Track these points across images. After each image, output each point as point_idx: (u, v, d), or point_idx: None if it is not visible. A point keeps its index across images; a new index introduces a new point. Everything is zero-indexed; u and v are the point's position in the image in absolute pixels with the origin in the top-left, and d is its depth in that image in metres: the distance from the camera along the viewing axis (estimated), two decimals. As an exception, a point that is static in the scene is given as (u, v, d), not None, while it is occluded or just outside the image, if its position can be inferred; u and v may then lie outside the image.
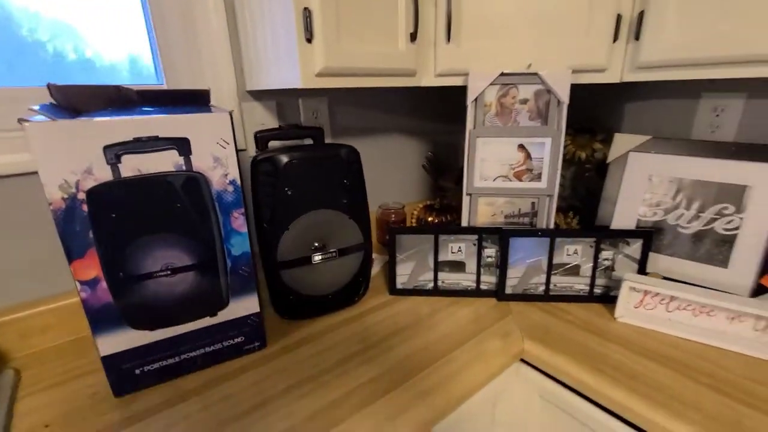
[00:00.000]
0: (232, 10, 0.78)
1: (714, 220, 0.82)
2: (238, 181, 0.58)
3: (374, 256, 1.06)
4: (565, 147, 1.09)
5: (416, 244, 0.85)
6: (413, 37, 0.73)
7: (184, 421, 0.54)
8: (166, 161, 0.52)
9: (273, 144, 0.74)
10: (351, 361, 0.66)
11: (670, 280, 0.80)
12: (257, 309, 0.66)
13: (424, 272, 0.87)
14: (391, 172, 1.21)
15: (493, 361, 0.68)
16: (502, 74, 0.78)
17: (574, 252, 0.82)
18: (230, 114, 0.56)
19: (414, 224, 1.19)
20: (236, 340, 0.66)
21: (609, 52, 0.74)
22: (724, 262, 0.81)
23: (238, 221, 0.60)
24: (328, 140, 0.99)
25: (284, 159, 0.67)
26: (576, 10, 0.73)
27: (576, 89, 0.76)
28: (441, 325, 0.77)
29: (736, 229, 0.80)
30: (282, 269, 0.72)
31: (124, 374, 0.58)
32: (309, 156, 0.69)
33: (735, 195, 0.79)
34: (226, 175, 0.57)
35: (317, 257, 0.73)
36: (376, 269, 0.99)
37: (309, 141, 0.76)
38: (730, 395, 0.58)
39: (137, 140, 0.50)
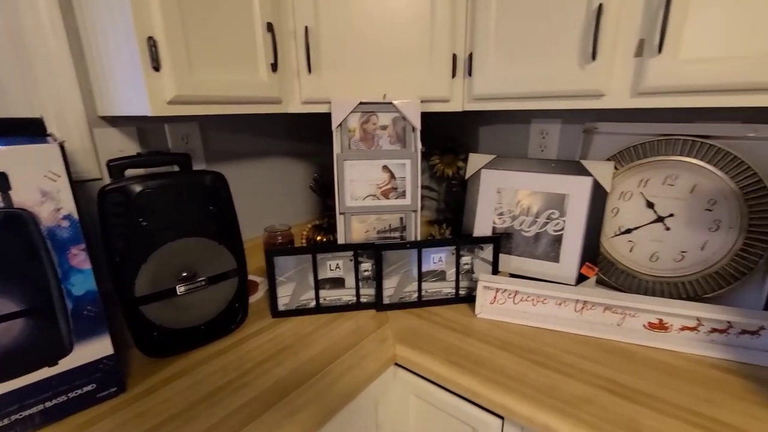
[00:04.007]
0: (75, 32, 0.74)
1: (546, 223, 0.99)
2: (75, 215, 0.54)
3: (260, 279, 1.05)
4: (434, 166, 1.22)
5: (296, 265, 0.87)
6: (274, 67, 0.76)
7: (8, 491, 0.48)
8: (-24, 198, 0.47)
9: (132, 172, 0.70)
10: (223, 391, 0.65)
11: (518, 277, 0.94)
12: (110, 351, 0.61)
13: (306, 291, 0.89)
14: (278, 194, 1.21)
15: (369, 369, 0.72)
16: (362, 103, 0.85)
17: (439, 260, 0.92)
18: (61, 145, 0.53)
19: (304, 244, 1.21)
20: (86, 388, 0.60)
21: (450, 86, 0.86)
22: (556, 258, 0.98)
23: (78, 258, 0.55)
24: (201, 166, 0.97)
25: (137, 188, 0.64)
26: (420, 49, 0.84)
27: (439, 115, 0.87)
28: (321, 341, 0.79)
29: (562, 230, 0.97)
30: (142, 304, 0.68)
31: (-73, 451, 0.49)
32: (167, 184, 0.68)
33: (558, 202, 0.97)
34: (59, 209, 0.53)
35: (182, 288, 0.71)
36: (260, 294, 0.98)
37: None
38: (550, 367, 0.70)
39: (-68, 177, 0.44)
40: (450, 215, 1.25)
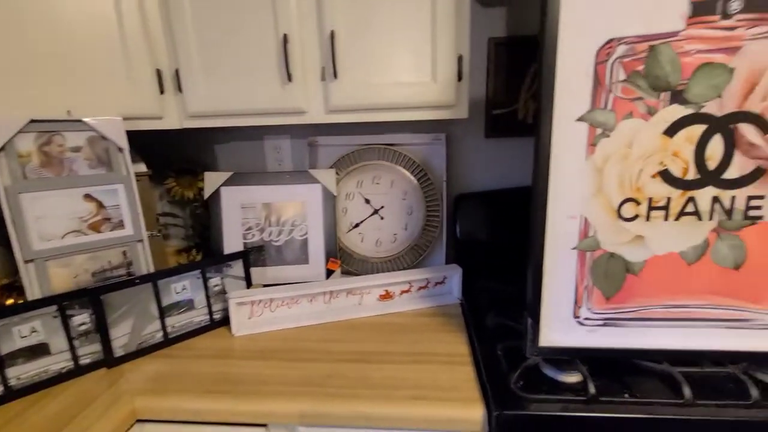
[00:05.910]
0: None
1: (292, 230, 1.06)
2: None
3: None
4: (171, 189, 1.12)
5: (-47, 347, 0.62)
6: None
7: None
8: None
9: None
10: None
11: (275, 286, 0.97)
12: None
13: (-19, 379, 0.64)
14: None
15: (96, 443, 0.58)
16: (34, 121, 0.69)
17: (183, 288, 0.84)
18: None
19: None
20: None
21: (160, 102, 0.81)
22: (306, 260, 1.07)
23: None
24: None
25: None
26: (112, 62, 0.75)
27: (165, 134, 0.79)
28: (13, 437, 0.59)
29: (306, 234, 1.07)
30: None
31: None
32: None
33: (299, 209, 1.06)
34: None
35: None
36: None
37: None
38: (304, 360, 0.75)
39: None
40: (199, 240, 1.17)
